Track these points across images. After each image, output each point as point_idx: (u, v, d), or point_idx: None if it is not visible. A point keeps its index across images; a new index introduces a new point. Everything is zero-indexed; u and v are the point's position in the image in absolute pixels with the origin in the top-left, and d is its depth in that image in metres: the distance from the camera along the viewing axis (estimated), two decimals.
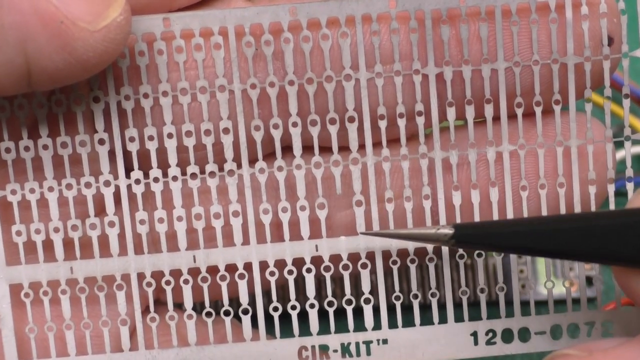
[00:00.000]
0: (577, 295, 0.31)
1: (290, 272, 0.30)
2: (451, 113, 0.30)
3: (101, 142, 0.29)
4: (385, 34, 0.29)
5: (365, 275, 0.30)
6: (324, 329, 0.30)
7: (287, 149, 0.30)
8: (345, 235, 0.30)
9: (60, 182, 0.29)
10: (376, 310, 0.30)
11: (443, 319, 0.30)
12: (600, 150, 0.30)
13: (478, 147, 0.30)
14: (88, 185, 0.29)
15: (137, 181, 0.29)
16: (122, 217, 0.30)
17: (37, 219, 0.29)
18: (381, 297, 0.30)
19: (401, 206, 0.30)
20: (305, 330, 0.30)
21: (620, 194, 0.30)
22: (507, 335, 0.30)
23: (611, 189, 0.30)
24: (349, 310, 0.30)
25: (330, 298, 0.30)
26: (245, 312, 0.30)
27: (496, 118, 0.30)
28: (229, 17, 0.29)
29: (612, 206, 0.30)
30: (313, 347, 0.30)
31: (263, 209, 0.30)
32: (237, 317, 0.30)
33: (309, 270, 0.30)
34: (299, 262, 0.30)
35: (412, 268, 0.30)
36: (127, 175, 0.29)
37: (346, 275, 0.30)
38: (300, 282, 0.30)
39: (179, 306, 0.30)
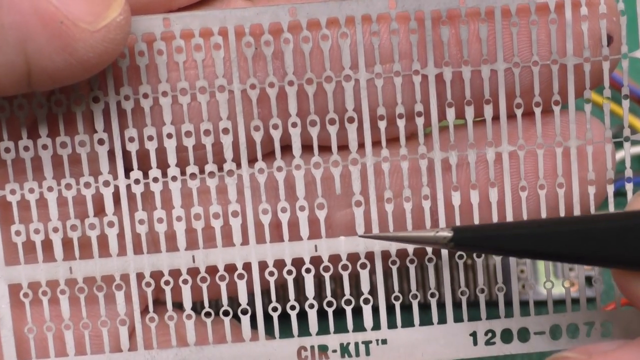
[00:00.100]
0: (577, 295, 0.31)
1: (289, 272, 0.30)
2: (451, 113, 0.30)
3: (101, 142, 0.29)
4: (385, 35, 0.29)
5: (364, 276, 0.30)
6: (323, 329, 0.30)
7: (286, 149, 0.30)
8: (345, 235, 0.30)
9: (59, 182, 0.29)
10: (375, 310, 0.30)
11: (442, 319, 0.30)
12: (600, 151, 0.30)
13: (477, 147, 0.30)
14: (87, 185, 0.29)
15: (137, 181, 0.29)
16: (121, 217, 0.30)
17: (36, 218, 0.29)
18: (380, 297, 0.30)
19: (400, 206, 0.30)
20: (304, 331, 0.30)
21: (620, 194, 0.30)
22: (507, 336, 0.30)
23: (610, 189, 0.30)
24: (348, 310, 0.30)
25: (329, 298, 0.30)
26: (245, 312, 0.30)
27: (495, 118, 0.30)
28: (229, 17, 0.29)
29: (611, 207, 0.30)
30: (312, 347, 0.30)
31: (262, 209, 0.30)
32: (236, 317, 0.30)
33: (308, 271, 0.30)
34: (298, 262, 0.30)
35: (412, 268, 0.30)
36: (127, 175, 0.29)
37: (345, 275, 0.30)
38: (299, 282, 0.30)
39: (178, 306, 0.30)
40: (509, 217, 0.30)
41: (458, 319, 0.30)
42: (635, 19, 0.29)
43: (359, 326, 0.30)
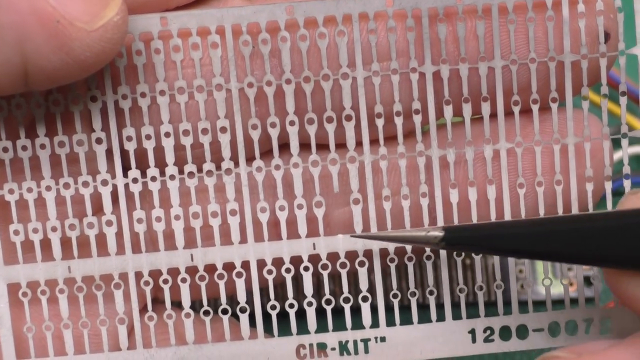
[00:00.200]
0: (576, 295, 0.31)
1: (288, 271, 0.30)
2: (448, 111, 0.30)
3: (99, 141, 0.29)
4: (382, 32, 0.29)
5: (363, 273, 0.30)
6: (321, 327, 0.30)
7: (284, 147, 0.30)
8: (343, 233, 0.30)
9: (57, 182, 0.29)
10: (374, 308, 0.30)
11: (441, 317, 0.30)
12: (598, 148, 0.30)
13: (475, 145, 0.30)
14: (85, 184, 0.29)
15: (135, 180, 0.29)
16: (119, 216, 0.30)
17: (34, 218, 0.29)
18: (379, 295, 0.30)
19: (398, 204, 0.30)
20: (303, 329, 0.30)
21: (619, 194, 0.30)
22: (505, 333, 0.30)
23: (608, 186, 0.30)
24: (347, 308, 0.30)
25: (328, 296, 0.30)
26: (243, 310, 0.30)
27: (493, 116, 0.30)
28: (226, 16, 0.29)
29: (609, 204, 0.30)
30: (311, 345, 0.30)
31: (260, 207, 0.30)
32: (234, 316, 0.30)
33: (306, 269, 0.30)
34: (296, 261, 0.30)
35: (410, 266, 0.30)
36: (125, 174, 0.30)
37: (344, 273, 0.30)
38: (298, 281, 0.30)
39: (176, 305, 0.30)
40: (507, 215, 0.30)
41: (456, 316, 0.30)
42: (633, 15, 0.29)
43: (357, 324, 0.30)
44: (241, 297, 0.30)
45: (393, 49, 0.29)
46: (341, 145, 0.30)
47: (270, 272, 0.30)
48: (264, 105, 0.29)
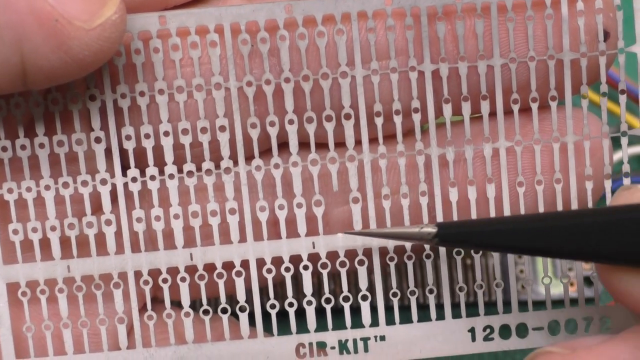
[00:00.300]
0: (576, 295, 0.31)
1: (287, 270, 0.30)
2: (447, 109, 0.30)
3: (97, 140, 0.29)
4: (381, 31, 0.29)
5: (362, 272, 0.30)
6: (321, 326, 0.30)
7: (283, 146, 0.30)
8: (342, 232, 0.30)
9: (56, 181, 0.29)
10: (374, 307, 0.30)
11: (440, 316, 0.30)
12: (597, 146, 0.30)
13: (474, 143, 0.30)
14: (85, 183, 0.29)
15: (134, 179, 0.29)
16: (118, 215, 0.30)
17: (33, 217, 0.29)
18: (378, 294, 0.30)
19: (398, 203, 0.30)
20: (302, 328, 0.30)
21: None
22: (505, 332, 0.30)
23: (608, 184, 0.30)
24: (347, 307, 0.30)
25: (327, 295, 0.30)
26: (243, 309, 0.30)
27: (492, 114, 0.30)
28: (225, 15, 0.29)
29: (609, 202, 0.30)
30: (311, 344, 0.30)
31: (260, 206, 0.30)
32: (234, 315, 0.30)
33: (306, 268, 0.30)
34: (296, 260, 0.30)
35: (410, 265, 0.30)
36: (124, 174, 0.29)
37: (343, 272, 0.30)
38: (297, 280, 0.30)
39: (176, 304, 0.30)
40: (507, 213, 0.30)
41: (456, 315, 0.30)
42: (632, 14, 0.29)
43: (357, 323, 0.30)
44: (241, 296, 0.30)
45: (392, 47, 0.29)
46: (340, 144, 0.30)
47: (269, 271, 0.30)
48: (263, 104, 0.29)
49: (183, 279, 0.30)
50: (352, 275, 0.30)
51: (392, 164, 0.30)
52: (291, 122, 0.29)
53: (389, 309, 0.30)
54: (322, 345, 0.30)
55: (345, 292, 0.30)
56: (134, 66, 0.29)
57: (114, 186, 0.29)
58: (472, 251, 0.30)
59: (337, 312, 0.30)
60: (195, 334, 0.30)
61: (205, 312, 0.30)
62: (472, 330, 0.30)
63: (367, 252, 0.30)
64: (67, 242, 0.30)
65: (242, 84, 0.29)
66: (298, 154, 0.30)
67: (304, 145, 0.30)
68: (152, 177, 0.29)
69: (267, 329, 0.30)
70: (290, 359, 0.30)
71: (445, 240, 0.27)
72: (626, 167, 0.30)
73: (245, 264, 0.30)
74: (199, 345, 0.30)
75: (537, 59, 0.29)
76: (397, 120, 0.30)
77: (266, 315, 0.30)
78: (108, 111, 0.29)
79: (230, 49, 0.29)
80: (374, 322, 0.30)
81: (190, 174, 0.30)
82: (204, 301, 0.30)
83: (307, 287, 0.30)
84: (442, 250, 0.30)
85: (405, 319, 0.30)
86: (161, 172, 0.29)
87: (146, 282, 0.30)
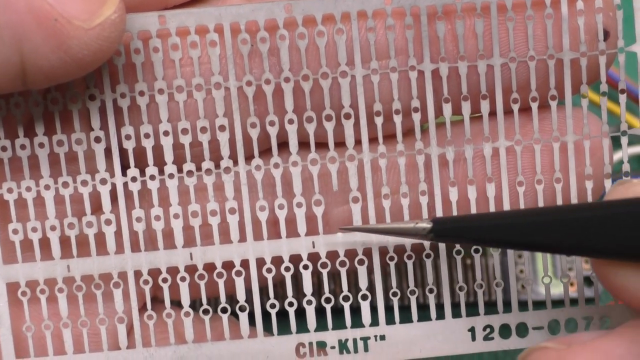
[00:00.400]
0: (576, 295, 0.31)
1: (287, 269, 0.30)
2: (447, 109, 0.30)
3: (97, 140, 0.29)
4: (380, 31, 0.29)
5: (362, 272, 0.30)
6: (321, 326, 0.30)
7: (283, 145, 0.30)
8: (342, 231, 0.30)
9: (56, 180, 0.29)
10: (374, 306, 0.30)
11: (440, 315, 0.30)
12: (597, 146, 0.30)
13: (474, 142, 0.30)
14: (84, 183, 0.29)
15: (134, 179, 0.29)
16: (118, 214, 0.30)
17: (33, 217, 0.29)
18: (378, 293, 0.30)
19: (398, 202, 0.30)
20: (302, 327, 0.30)
21: None
22: (505, 331, 0.30)
23: (608, 184, 0.30)
24: (347, 306, 0.30)
25: (327, 294, 0.30)
26: (243, 309, 0.30)
27: (492, 114, 0.30)
28: (225, 14, 0.29)
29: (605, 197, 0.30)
30: (310, 343, 0.30)
31: (259, 205, 0.30)
32: (234, 315, 0.30)
33: (306, 267, 0.30)
34: (296, 259, 0.30)
35: (410, 264, 0.30)
36: (124, 173, 0.29)
37: (343, 271, 0.30)
38: (297, 279, 0.30)
39: (176, 304, 0.30)
40: None
41: (456, 315, 0.30)
42: (632, 13, 0.29)
43: (357, 323, 0.30)
44: (240, 295, 0.30)
45: (392, 47, 0.29)
46: (340, 144, 0.30)
47: (269, 270, 0.30)
48: (262, 104, 0.29)
49: (183, 279, 0.30)
50: (352, 275, 0.30)
51: (392, 164, 0.30)
52: (291, 121, 0.29)
53: (389, 308, 0.30)
54: (322, 345, 0.30)
55: (345, 292, 0.30)
56: (133, 66, 0.29)
57: (113, 186, 0.29)
58: (472, 250, 0.30)
59: (337, 311, 0.30)
60: (195, 334, 0.30)
61: (205, 311, 0.30)
62: (472, 330, 0.30)
63: (367, 252, 0.30)
64: (67, 242, 0.30)
65: (241, 84, 0.29)
66: (298, 154, 0.30)
67: (303, 144, 0.30)
68: (152, 177, 0.29)
69: (267, 329, 0.30)
70: (290, 359, 0.30)
71: (440, 235, 0.27)
72: (626, 167, 0.30)
73: (245, 263, 0.30)
74: (199, 344, 0.30)
75: (537, 58, 0.29)
76: (397, 119, 0.30)
77: (266, 315, 0.30)
78: (108, 111, 0.29)
79: (230, 48, 0.29)
80: (374, 322, 0.30)
81: (190, 173, 0.30)
82: (204, 301, 0.30)
83: (307, 286, 0.30)
84: (442, 249, 0.30)
85: (405, 318, 0.30)
86: (161, 172, 0.29)
87: (146, 282, 0.30)
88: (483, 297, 0.30)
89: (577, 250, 0.27)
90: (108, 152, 0.29)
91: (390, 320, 0.30)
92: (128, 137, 0.29)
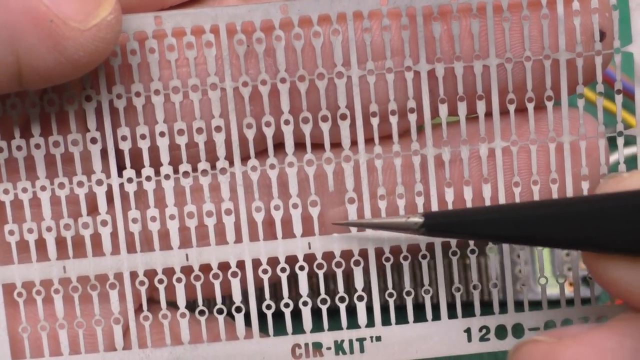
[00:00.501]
0: (572, 295, 0.31)
1: (283, 270, 0.30)
2: (443, 109, 0.30)
3: (93, 140, 0.29)
4: (376, 31, 0.29)
5: (358, 273, 0.30)
6: (317, 327, 0.30)
7: (279, 146, 0.30)
8: (338, 232, 0.30)
9: (52, 181, 0.29)
10: (369, 307, 0.30)
11: (436, 316, 0.30)
12: (593, 146, 0.30)
13: (470, 143, 0.30)
14: (80, 184, 0.29)
15: (130, 180, 0.29)
16: (114, 215, 0.30)
17: (29, 218, 0.29)
18: (374, 294, 0.30)
19: (394, 203, 0.30)
20: (298, 328, 0.30)
21: None
22: (501, 332, 0.30)
23: None
24: (342, 307, 0.30)
25: (323, 296, 0.30)
26: (239, 310, 0.30)
27: (488, 114, 0.30)
28: (221, 15, 0.29)
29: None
30: (306, 344, 0.30)
31: (255, 206, 0.30)
32: (230, 316, 0.30)
33: (302, 268, 0.30)
34: (291, 260, 0.30)
35: (406, 265, 0.30)
36: (120, 174, 0.29)
37: (339, 272, 0.30)
38: (293, 280, 0.30)
39: (172, 305, 0.30)
40: None
41: (452, 315, 0.30)
42: (628, 13, 0.29)
43: (353, 323, 0.30)
44: (236, 296, 0.30)
45: (388, 47, 0.29)
46: (336, 145, 0.30)
47: (265, 271, 0.30)
48: (258, 104, 0.29)
49: (179, 280, 0.30)
50: (348, 276, 0.30)
51: (388, 165, 0.30)
52: (287, 122, 0.29)
53: (385, 309, 0.30)
54: (318, 346, 0.30)
55: (341, 293, 0.30)
56: (129, 67, 0.29)
57: (109, 187, 0.29)
58: (468, 251, 0.30)
59: (333, 312, 0.30)
60: (191, 335, 0.30)
61: (201, 312, 0.30)
62: (468, 331, 0.30)
63: (363, 253, 0.30)
64: (63, 243, 0.30)
65: (238, 84, 0.29)
66: (294, 155, 0.30)
67: (299, 145, 0.30)
68: (148, 178, 0.29)
69: (263, 330, 0.30)
70: None
71: (432, 230, 0.27)
72: (622, 167, 0.30)
73: (241, 264, 0.30)
74: (195, 345, 0.30)
75: (533, 59, 0.29)
76: (393, 120, 0.30)
77: (262, 316, 0.30)
78: (104, 112, 0.29)
79: (226, 49, 0.29)
80: (370, 323, 0.30)
81: (186, 174, 0.30)
82: (200, 302, 0.30)
83: (303, 287, 0.30)
84: (438, 250, 0.30)
85: (401, 319, 0.30)
86: (157, 173, 0.29)
87: (142, 283, 0.30)
88: (479, 296, 0.30)
89: (567, 244, 0.27)
90: (104, 153, 0.29)
91: (386, 321, 0.30)
92: (124, 138, 0.29)
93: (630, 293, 0.26)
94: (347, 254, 0.30)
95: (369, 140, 0.30)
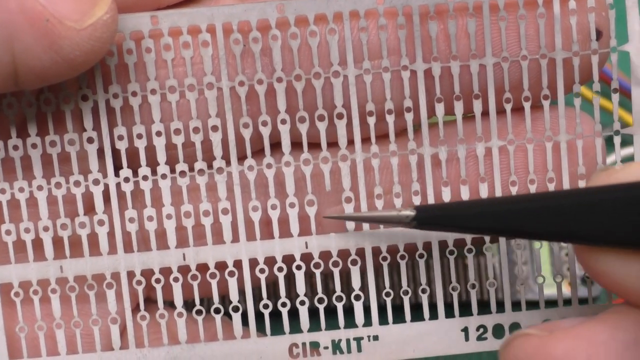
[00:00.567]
0: (569, 295, 0.31)
1: (280, 270, 0.30)
2: (440, 109, 0.30)
3: (90, 140, 0.29)
4: (373, 30, 0.29)
5: (355, 272, 0.30)
6: (314, 326, 0.30)
7: (276, 146, 0.30)
8: (335, 232, 0.30)
9: (49, 181, 0.29)
10: (367, 307, 0.30)
11: (434, 316, 0.30)
12: (590, 145, 0.30)
13: (467, 142, 0.30)
14: (77, 183, 0.29)
15: (126, 179, 0.29)
16: (111, 215, 0.30)
17: (26, 218, 0.29)
18: (372, 293, 0.30)
19: (390, 202, 0.30)
20: (295, 328, 0.30)
21: None
22: (499, 331, 0.30)
23: None
24: (340, 307, 0.30)
25: (320, 295, 0.30)
26: (236, 309, 0.30)
27: (485, 114, 0.30)
28: (217, 15, 0.29)
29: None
30: (304, 344, 0.30)
31: (252, 206, 0.30)
32: (227, 315, 0.30)
33: (299, 268, 0.30)
34: (288, 259, 0.30)
35: (403, 264, 0.30)
36: (116, 174, 0.29)
37: (336, 272, 0.30)
38: (290, 280, 0.30)
39: (169, 304, 0.30)
40: None
41: (449, 315, 0.30)
42: (624, 12, 0.29)
43: (350, 323, 0.30)
44: (233, 296, 0.30)
45: (384, 47, 0.29)
46: (333, 144, 0.30)
47: (262, 271, 0.30)
48: (255, 104, 0.29)
49: (176, 279, 0.30)
50: (345, 275, 0.30)
51: (385, 164, 0.30)
52: (283, 121, 0.29)
53: (382, 309, 0.30)
54: (315, 345, 0.30)
55: (339, 292, 0.30)
56: (126, 66, 0.29)
57: (106, 186, 0.29)
58: (465, 250, 0.30)
59: (330, 312, 0.30)
60: (188, 334, 0.30)
61: (198, 312, 0.30)
62: (465, 330, 0.30)
63: (360, 252, 0.30)
64: (60, 243, 0.30)
65: (234, 84, 0.29)
66: (290, 154, 0.30)
67: (296, 145, 0.30)
68: (145, 177, 0.29)
69: (260, 329, 0.30)
70: (284, 359, 0.30)
71: (423, 223, 0.27)
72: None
73: (238, 264, 0.30)
74: (192, 345, 0.30)
75: (530, 58, 0.29)
76: (390, 119, 0.30)
77: (259, 316, 0.30)
78: (100, 111, 0.29)
79: (223, 48, 0.29)
80: (367, 322, 0.30)
81: (182, 174, 0.30)
82: (197, 301, 0.30)
83: (300, 287, 0.30)
84: (435, 249, 0.30)
85: (399, 318, 0.30)
86: (153, 172, 0.29)
87: (139, 283, 0.30)
88: (476, 296, 0.30)
89: (559, 237, 0.27)
90: (101, 152, 0.29)
91: (383, 321, 0.30)
92: (121, 138, 0.29)
93: (621, 286, 0.26)
94: (344, 254, 0.30)
95: (365, 140, 0.30)
